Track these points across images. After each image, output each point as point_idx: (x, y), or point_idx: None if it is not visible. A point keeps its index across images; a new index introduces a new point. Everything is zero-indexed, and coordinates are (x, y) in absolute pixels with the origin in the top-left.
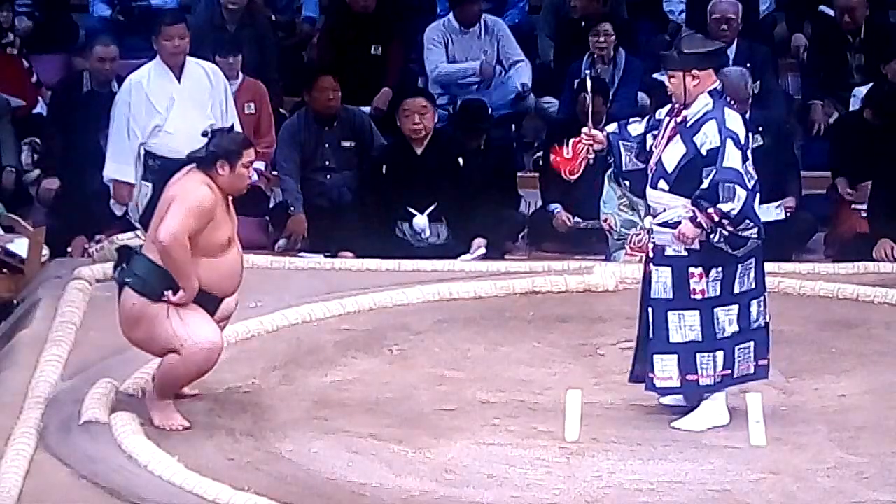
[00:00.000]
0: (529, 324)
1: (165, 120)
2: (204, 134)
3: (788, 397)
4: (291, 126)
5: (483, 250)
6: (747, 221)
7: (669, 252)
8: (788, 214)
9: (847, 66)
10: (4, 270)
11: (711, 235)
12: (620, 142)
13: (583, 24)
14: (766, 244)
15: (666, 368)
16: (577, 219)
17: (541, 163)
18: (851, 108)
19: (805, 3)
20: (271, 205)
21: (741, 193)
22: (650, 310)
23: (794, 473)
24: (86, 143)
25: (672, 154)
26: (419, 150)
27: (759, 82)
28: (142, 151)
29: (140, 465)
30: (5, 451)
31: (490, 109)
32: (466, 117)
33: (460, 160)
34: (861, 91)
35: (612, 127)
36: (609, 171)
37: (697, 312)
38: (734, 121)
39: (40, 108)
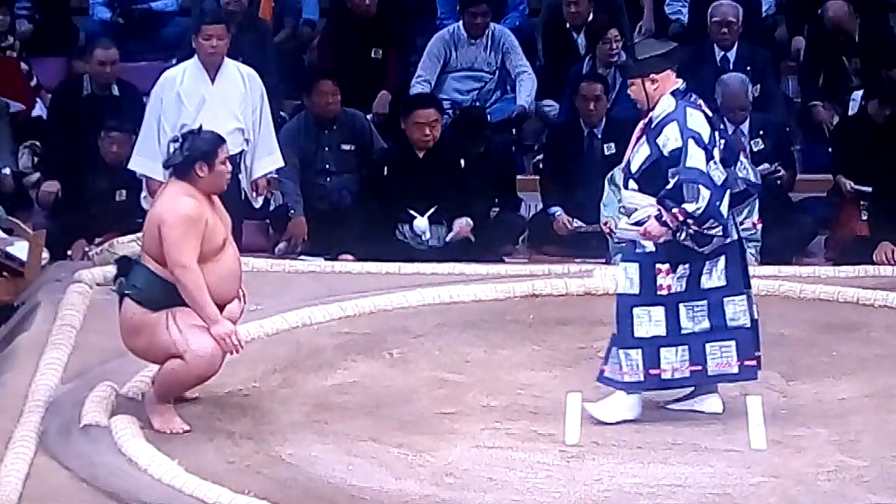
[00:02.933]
0: (530, 327)
1: (194, 119)
2: (174, 140)
3: (788, 400)
4: (291, 129)
5: (468, 229)
6: (711, 221)
7: (639, 248)
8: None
9: (844, 70)
10: (4, 274)
11: (677, 234)
12: None
13: (576, 30)
14: (767, 247)
15: (630, 363)
16: (577, 222)
17: (541, 166)
18: (850, 112)
19: (805, 6)
20: (271, 208)
21: (705, 193)
22: (615, 305)
23: (794, 477)
24: (86, 146)
25: (639, 155)
26: (420, 154)
27: (759, 85)
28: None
29: (140, 468)
30: (5, 454)
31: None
32: (467, 124)
33: (461, 163)
34: (859, 94)
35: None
36: (609, 175)
37: (663, 308)
38: (696, 120)
39: (39, 111)
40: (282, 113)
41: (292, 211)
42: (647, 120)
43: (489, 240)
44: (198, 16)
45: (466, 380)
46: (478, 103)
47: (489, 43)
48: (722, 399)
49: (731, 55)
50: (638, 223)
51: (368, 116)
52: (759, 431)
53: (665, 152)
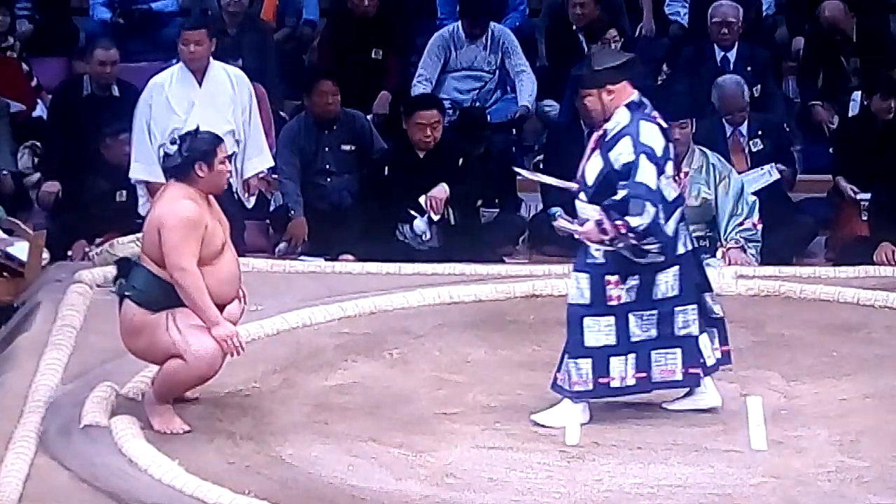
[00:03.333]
0: (530, 327)
1: (184, 123)
2: (172, 142)
3: (789, 401)
4: (291, 130)
5: (444, 194)
6: (651, 238)
7: (590, 259)
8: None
9: (843, 70)
10: (5, 274)
11: (615, 242)
12: None
13: (580, 31)
14: (767, 247)
15: (580, 372)
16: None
17: (541, 166)
18: (850, 112)
19: (805, 6)
20: (271, 208)
21: (650, 210)
22: (566, 315)
23: (794, 477)
24: (86, 146)
25: (592, 167)
26: (420, 154)
27: (759, 86)
28: (161, 153)
29: (140, 468)
30: (5, 454)
31: (491, 117)
32: (467, 124)
33: (461, 163)
34: (858, 95)
35: (586, 210)
36: None
37: (613, 318)
38: (649, 134)
39: (40, 112)
40: (282, 113)
41: (292, 211)
42: (601, 132)
43: (489, 240)
44: (185, 19)
45: (467, 380)
46: (478, 103)
47: (489, 43)
48: (719, 393)
49: (732, 55)
50: (580, 223)
51: (368, 117)
52: (759, 432)
53: (617, 166)
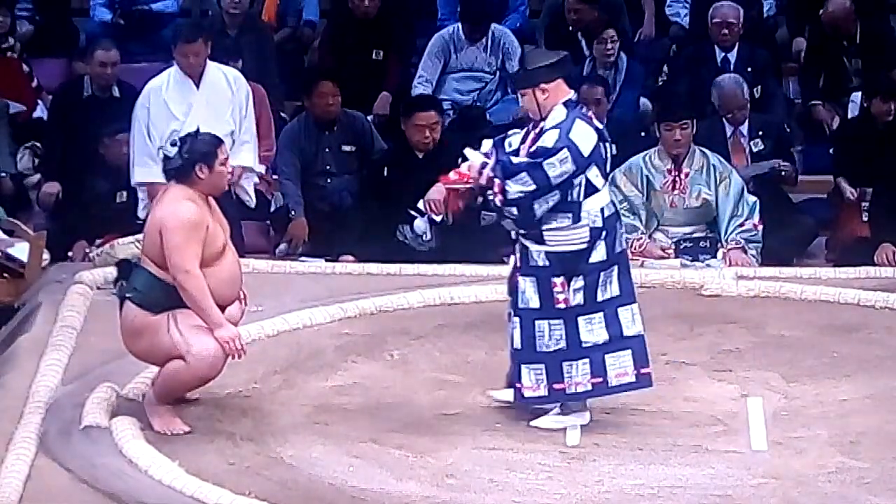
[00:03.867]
0: None
1: (183, 126)
2: (173, 143)
3: (789, 402)
4: (291, 130)
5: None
6: (514, 211)
7: (533, 262)
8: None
9: (845, 70)
10: (5, 275)
11: (486, 192)
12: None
13: (579, 32)
14: (767, 248)
15: (534, 378)
16: None
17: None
18: (850, 113)
19: (806, 7)
20: (272, 209)
21: (529, 189)
22: (518, 319)
23: (795, 478)
24: (86, 147)
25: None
26: (420, 155)
27: (759, 87)
28: (161, 155)
29: (140, 469)
30: (6, 455)
31: (492, 119)
32: (466, 125)
33: (461, 163)
34: (857, 96)
35: (487, 146)
36: (609, 176)
37: (562, 321)
38: (581, 133)
39: (40, 112)
40: (282, 114)
41: (293, 212)
42: (537, 130)
43: (490, 241)
44: (180, 28)
45: (467, 381)
46: (478, 104)
47: (489, 44)
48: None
49: (732, 56)
50: (527, 236)
51: (369, 117)
52: (759, 433)
53: (533, 147)
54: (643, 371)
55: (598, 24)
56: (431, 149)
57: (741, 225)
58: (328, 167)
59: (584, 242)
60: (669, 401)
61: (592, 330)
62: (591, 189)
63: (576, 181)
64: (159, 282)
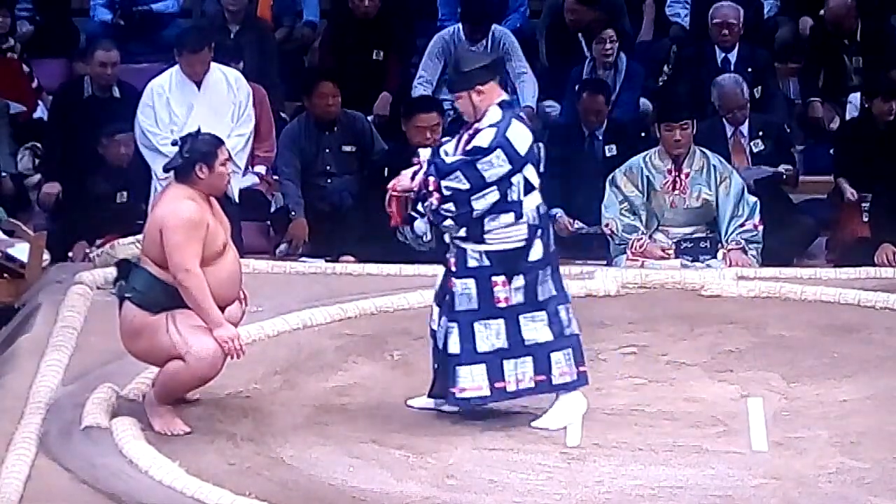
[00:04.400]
0: None
1: (184, 126)
2: (174, 143)
3: (790, 402)
4: (292, 131)
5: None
6: (451, 208)
7: (472, 263)
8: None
9: (845, 69)
10: (5, 275)
11: (423, 196)
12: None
13: (579, 33)
14: (768, 248)
15: (475, 378)
16: (578, 223)
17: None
18: (848, 114)
19: (806, 6)
20: (272, 209)
21: (464, 187)
22: (456, 324)
23: (795, 479)
24: (86, 147)
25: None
26: None
27: (760, 87)
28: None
29: (141, 470)
30: (6, 456)
31: None
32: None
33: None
34: (856, 97)
35: (425, 154)
36: (610, 177)
37: (503, 320)
38: (517, 132)
39: (40, 113)
40: (282, 114)
41: (293, 213)
42: (472, 131)
43: None
44: (180, 36)
45: None
46: None
47: (490, 44)
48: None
49: (732, 56)
50: (464, 238)
51: (369, 118)
52: (760, 433)
53: (468, 147)
54: (581, 369)
55: (598, 24)
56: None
57: (741, 225)
58: (328, 167)
59: (523, 240)
60: (670, 401)
61: (536, 328)
62: (529, 187)
63: (514, 180)
64: (159, 282)
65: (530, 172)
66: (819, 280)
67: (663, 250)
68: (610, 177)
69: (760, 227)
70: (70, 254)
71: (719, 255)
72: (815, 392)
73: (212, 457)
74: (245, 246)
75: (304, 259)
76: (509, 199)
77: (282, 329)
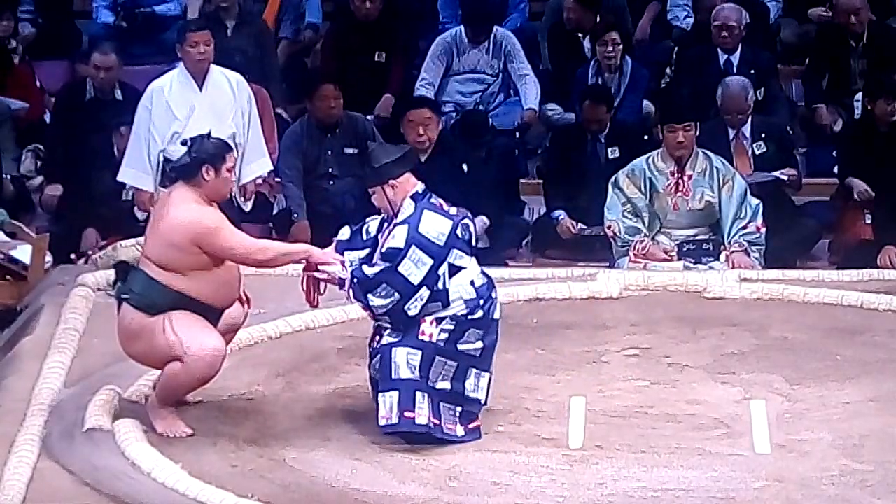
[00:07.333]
0: (533, 330)
1: (184, 127)
2: (183, 143)
3: (793, 404)
4: (294, 133)
5: (483, 227)
6: (388, 320)
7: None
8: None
9: (849, 70)
10: (8, 277)
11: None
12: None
13: (579, 34)
14: (770, 250)
15: (388, 405)
16: (581, 225)
17: (544, 170)
18: (856, 114)
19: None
20: (275, 211)
21: (394, 298)
22: (379, 354)
23: (798, 481)
24: (89, 149)
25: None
26: (423, 157)
27: (762, 89)
28: (161, 157)
29: (143, 472)
30: (9, 457)
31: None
32: (467, 130)
33: (464, 167)
34: (860, 98)
35: (344, 234)
36: (613, 179)
37: (421, 353)
38: (430, 224)
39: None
40: (284, 116)
41: (295, 215)
42: (391, 226)
43: (492, 243)
44: (181, 24)
45: None
46: (481, 106)
47: (492, 46)
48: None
49: (735, 59)
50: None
51: (369, 117)
52: (763, 435)
53: (383, 249)
54: (470, 426)
55: (601, 27)
56: (433, 152)
57: (744, 227)
58: (330, 170)
59: (462, 311)
60: (672, 404)
61: (441, 373)
62: (454, 270)
63: (440, 271)
64: (157, 284)
65: (454, 256)
66: (822, 282)
67: (666, 252)
68: (613, 179)
69: (763, 230)
70: (72, 256)
71: (722, 257)
72: (818, 394)
73: (214, 459)
74: None
75: None
76: (435, 289)
77: (284, 331)
